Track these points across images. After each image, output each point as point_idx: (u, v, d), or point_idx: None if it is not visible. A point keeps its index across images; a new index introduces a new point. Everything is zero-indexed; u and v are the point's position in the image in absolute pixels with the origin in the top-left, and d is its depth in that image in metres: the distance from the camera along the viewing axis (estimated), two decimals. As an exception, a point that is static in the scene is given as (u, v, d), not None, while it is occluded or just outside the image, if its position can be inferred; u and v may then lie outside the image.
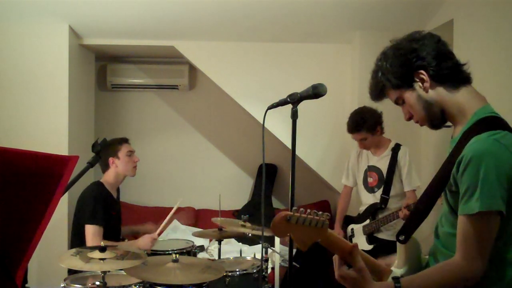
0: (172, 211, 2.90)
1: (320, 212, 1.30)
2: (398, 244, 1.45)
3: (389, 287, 1.31)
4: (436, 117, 1.43)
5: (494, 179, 1.24)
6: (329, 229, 1.32)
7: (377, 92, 1.51)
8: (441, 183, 1.37)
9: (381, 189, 3.21)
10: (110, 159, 3.00)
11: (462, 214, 1.28)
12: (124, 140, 3.09)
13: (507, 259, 1.31)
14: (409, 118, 1.49)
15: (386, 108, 3.33)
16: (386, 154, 3.23)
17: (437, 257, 1.42)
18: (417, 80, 1.41)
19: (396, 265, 1.46)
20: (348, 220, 3.47)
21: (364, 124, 3.15)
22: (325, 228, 1.29)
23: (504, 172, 1.24)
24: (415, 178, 3.16)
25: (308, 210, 1.29)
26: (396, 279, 1.33)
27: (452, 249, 1.35)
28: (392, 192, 3.18)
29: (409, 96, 1.44)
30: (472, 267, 1.26)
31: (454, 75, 1.40)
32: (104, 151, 2.88)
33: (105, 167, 3.03)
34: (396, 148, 3.21)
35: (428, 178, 3.77)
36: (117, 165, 3.01)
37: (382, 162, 3.24)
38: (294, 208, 1.28)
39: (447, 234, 1.39)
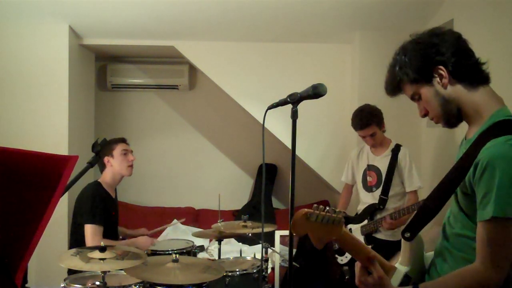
0: (168, 225, 2.99)
1: (337, 210, 1.31)
2: (403, 241, 1.45)
3: None
4: (453, 115, 1.41)
5: (509, 185, 1.22)
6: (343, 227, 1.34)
7: (393, 87, 1.47)
8: (453, 183, 1.36)
9: (379, 189, 3.21)
10: (106, 158, 3.01)
11: (479, 221, 1.27)
12: (120, 140, 3.10)
13: None
14: (425, 114, 1.46)
15: (387, 108, 3.34)
16: (387, 155, 3.23)
17: (446, 258, 1.41)
18: (436, 75, 1.39)
19: (400, 262, 1.46)
20: (346, 220, 3.47)
21: (373, 118, 3.17)
22: (340, 226, 1.31)
23: None
24: (416, 179, 3.16)
25: (327, 208, 1.30)
26: (414, 284, 1.34)
27: (463, 250, 1.35)
28: (390, 193, 3.19)
29: (426, 91, 1.41)
30: (491, 273, 1.24)
31: (473, 73, 1.38)
32: (101, 150, 2.91)
33: (102, 167, 3.05)
34: (396, 149, 3.22)
35: (428, 178, 3.79)
36: (112, 164, 3.02)
37: (382, 162, 3.24)
38: (315, 205, 1.28)
39: (457, 235, 1.38)
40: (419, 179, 3.17)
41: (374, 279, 1.33)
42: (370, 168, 3.29)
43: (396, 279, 1.39)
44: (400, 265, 1.45)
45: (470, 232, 1.34)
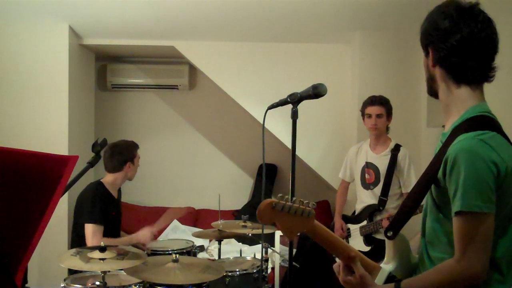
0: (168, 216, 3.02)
1: (306, 201, 1.30)
2: (386, 240, 1.46)
3: None
4: (433, 90, 1.43)
5: (475, 180, 1.22)
6: (316, 220, 1.33)
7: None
8: (429, 179, 1.37)
9: (377, 187, 3.22)
10: (128, 163, 3.03)
11: (452, 216, 1.28)
12: (138, 147, 3.15)
13: (493, 258, 1.28)
14: None
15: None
16: (386, 154, 3.24)
17: (422, 255, 1.42)
18: (428, 52, 1.39)
19: (385, 261, 1.46)
20: (344, 219, 3.47)
21: (387, 103, 3.25)
22: (311, 218, 1.29)
23: (487, 173, 1.23)
24: (414, 181, 3.16)
25: (294, 198, 1.29)
26: (397, 281, 1.33)
27: (435, 246, 1.36)
28: (390, 193, 3.20)
29: (424, 58, 1.42)
30: (465, 266, 1.25)
31: (463, 73, 1.34)
32: (121, 152, 2.96)
33: (117, 169, 3.02)
34: (396, 149, 3.22)
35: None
36: (131, 170, 3.06)
37: (380, 160, 3.25)
38: (280, 195, 1.28)
39: (430, 228, 1.39)
40: (416, 181, 3.16)
41: (356, 279, 1.33)
42: (369, 165, 3.29)
43: (380, 278, 1.40)
44: (385, 264, 1.45)
45: (439, 224, 1.35)
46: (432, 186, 1.36)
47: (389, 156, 3.21)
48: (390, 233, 1.43)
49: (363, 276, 1.33)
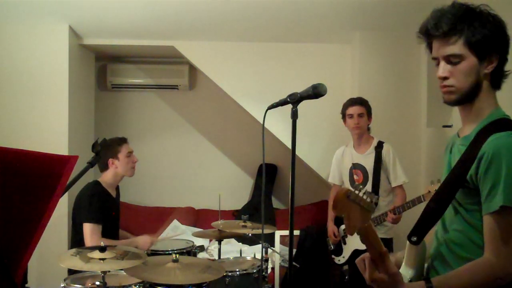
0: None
1: (371, 193, 1.28)
2: (408, 245, 1.43)
3: (420, 287, 1.30)
4: (468, 98, 1.38)
5: None
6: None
7: (449, 26, 1.35)
8: (457, 181, 1.36)
9: (367, 186, 3.23)
10: (110, 160, 2.99)
11: (487, 213, 1.27)
12: (123, 140, 3.08)
13: None
14: (445, 78, 1.37)
15: (387, 108, 3.34)
16: (370, 152, 3.29)
17: (444, 257, 1.40)
18: (488, 58, 1.36)
19: (405, 265, 1.43)
20: (339, 220, 3.47)
21: (366, 103, 3.32)
22: (371, 213, 1.27)
23: None
24: (400, 174, 3.23)
25: (365, 189, 1.28)
26: (427, 279, 1.31)
27: (464, 245, 1.35)
28: (380, 190, 3.23)
29: (471, 63, 1.35)
30: (503, 264, 1.24)
31: (501, 78, 1.41)
32: (103, 151, 2.90)
33: (104, 167, 3.03)
34: (379, 146, 3.28)
35: (428, 178, 3.78)
36: (117, 166, 3.01)
37: (366, 159, 3.29)
38: (356, 184, 1.27)
39: (457, 230, 1.38)
40: (403, 174, 3.23)
41: (387, 276, 1.27)
42: (356, 166, 3.33)
43: None
44: (405, 270, 1.43)
45: (468, 225, 1.35)
46: (459, 191, 1.36)
47: (373, 154, 3.26)
48: (414, 239, 1.41)
49: (395, 274, 1.27)
